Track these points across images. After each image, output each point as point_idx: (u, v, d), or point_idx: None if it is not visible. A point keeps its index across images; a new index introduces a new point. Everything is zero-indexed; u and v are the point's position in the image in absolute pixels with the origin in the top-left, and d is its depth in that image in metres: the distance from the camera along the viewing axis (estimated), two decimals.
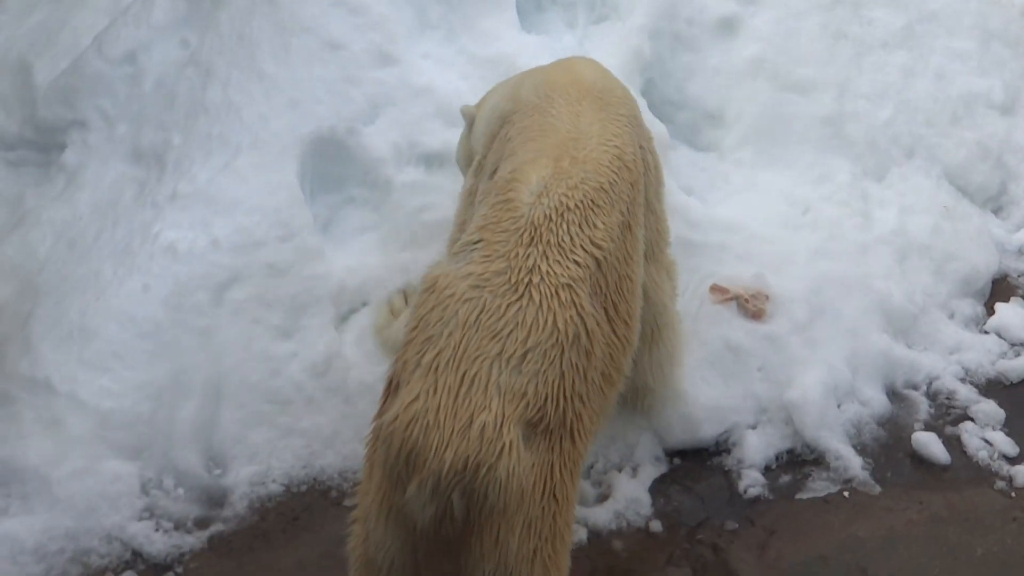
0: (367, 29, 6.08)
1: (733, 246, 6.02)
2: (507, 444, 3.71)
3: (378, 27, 6.09)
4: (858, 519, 5.31)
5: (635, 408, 5.42)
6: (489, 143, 4.92)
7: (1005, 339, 6.20)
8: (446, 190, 5.56)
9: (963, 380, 5.99)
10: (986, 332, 6.26)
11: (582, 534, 5.11)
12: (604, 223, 4.21)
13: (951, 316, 6.27)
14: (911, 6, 7.20)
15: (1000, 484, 5.51)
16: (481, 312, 3.88)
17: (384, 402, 4.00)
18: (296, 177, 5.81)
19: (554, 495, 3.90)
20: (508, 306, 3.89)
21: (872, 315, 5.98)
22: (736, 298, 5.80)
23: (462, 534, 3.79)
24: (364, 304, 5.73)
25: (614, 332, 4.23)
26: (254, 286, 5.57)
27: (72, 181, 6.13)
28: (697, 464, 5.53)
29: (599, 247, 4.16)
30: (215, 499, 5.24)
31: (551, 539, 3.93)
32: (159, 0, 6.43)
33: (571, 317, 3.95)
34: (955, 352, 6.10)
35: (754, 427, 5.59)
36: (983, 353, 6.11)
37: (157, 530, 5.10)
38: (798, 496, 5.41)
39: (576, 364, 3.95)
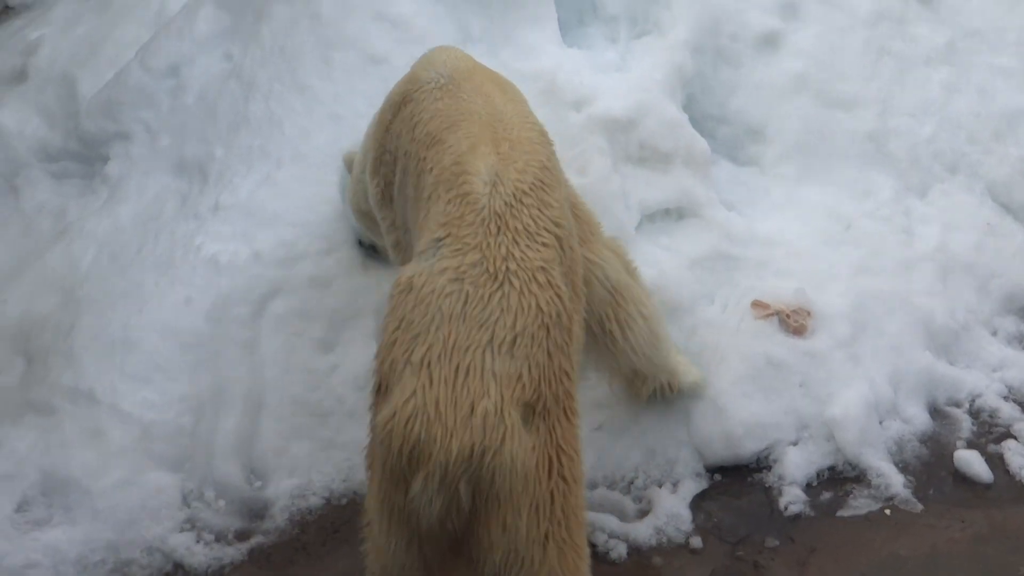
0: (409, 43, 6.08)
1: (774, 261, 6.01)
2: (509, 428, 3.78)
3: (420, 41, 6.08)
4: (900, 537, 5.27)
5: (639, 398, 5.43)
6: (382, 134, 4.95)
7: None
8: None
9: (1006, 398, 5.95)
10: None
11: (622, 549, 5.12)
12: (556, 200, 4.28)
13: (994, 333, 6.24)
14: (954, 23, 7.18)
15: None
16: (465, 303, 3.92)
17: (375, 405, 4.03)
18: (338, 190, 5.82)
19: (561, 476, 3.95)
20: (491, 295, 3.94)
21: (914, 332, 5.95)
22: (777, 313, 5.78)
23: (469, 527, 3.86)
24: None
25: (579, 298, 4.32)
26: (296, 299, 5.60)
27: (115, 193, 6.16)
28: (738, 480, 5.51)
29: (559, 225, 4.23)
30: (256, 511, 5.26)
31: (563, 521, 3.97)
32: (202, 13, 6.46)
33: (551, 298, 4.01)
34: (998, 370, 6.06)
35: (795, 443, 5.56)
36: None
37: (198, 542, 5.12)
38: (839, 513, 5.37)
39: (560, 343, 4.01)
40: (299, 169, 5.87)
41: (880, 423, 5.67)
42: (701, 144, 6.14)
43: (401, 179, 4.75)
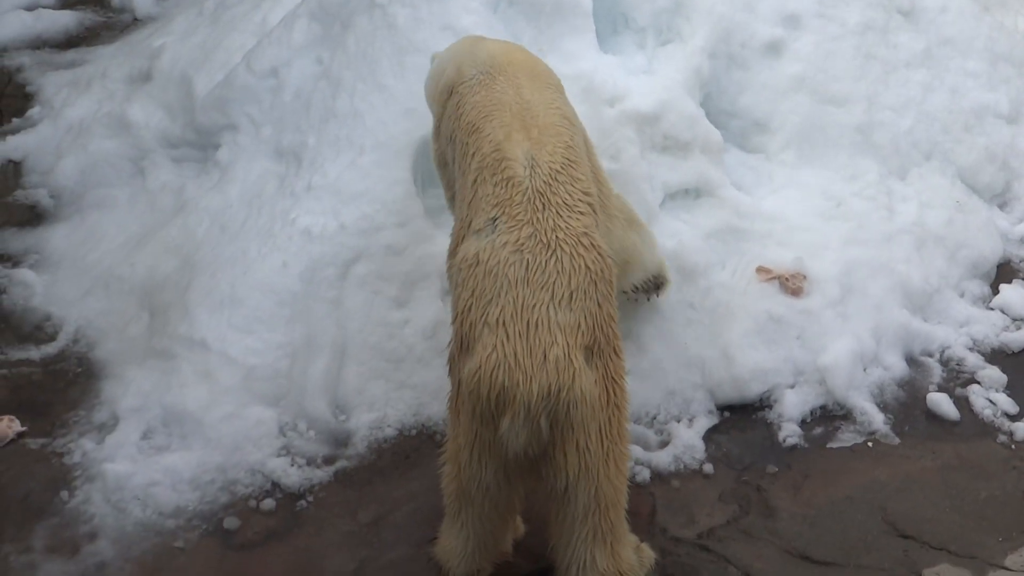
0: None
1: (776, 234, 5.97)
2: (577, 368, 3.97)
3: None
4: (880, 466, 5.28)
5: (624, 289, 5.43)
6: (440, 110, 5.02)
7: (1008, 315, 6.13)
8: None
9: (971, 349, 5.92)
10: (991, 309, 6.17)
11: (645, 474, 5.13)
12: (583, 174, 4.40)
13: (962, 295, 6.20)
14: (930, 32, 7.09)
15: (1002, 438, 5.45)
16: (527, 270, 4.06)
17: (458, 358, 4.18)
18: (410, 173, 5.81)
19: (615, 404, 4.16)
20: (546, 261, 4.08)
21: (894, 294, 5.92)
22: (778, 278, 5.76)
23: (545, 451, 4.04)
24: None
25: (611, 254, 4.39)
26: (375, 263, 5.59)
27: (225, 175, 6.17)
28: (744, 417, 5.52)
29: (588, 194, 4.35)
30: (340, 440, 5.27)
31: (619, 440, 4.18)
32: (298, 24, 6.45)
33: (595, 258, 4.17)
34: (965, 325, 6.03)
35: (792, 387, 5.56)
36: (989, 327, 6.04)
37: (292, 465, 5.15)
38: (829, 445, 5.38)
39: (606, 292, 4.17)
40: (378, 155, 5.84)
41: (864, 370, 5.67)
42: (715, 135, 6.10)
43: (451, 154, 4.81)
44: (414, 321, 5.52)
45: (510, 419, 3.95)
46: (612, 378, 4.14)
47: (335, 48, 6.29)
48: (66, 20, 8.75)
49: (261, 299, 5.50)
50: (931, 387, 5.70)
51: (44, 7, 8.91)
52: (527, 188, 4.22)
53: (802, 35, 6.64)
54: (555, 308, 4.02)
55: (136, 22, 8.76)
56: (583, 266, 4.11)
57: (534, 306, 4.01)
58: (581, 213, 4.24)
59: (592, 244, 4.19)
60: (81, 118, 7.12)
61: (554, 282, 4.05)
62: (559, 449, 4.03)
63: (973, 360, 5.84)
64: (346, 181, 5.79)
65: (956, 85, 6.98)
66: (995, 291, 6.27)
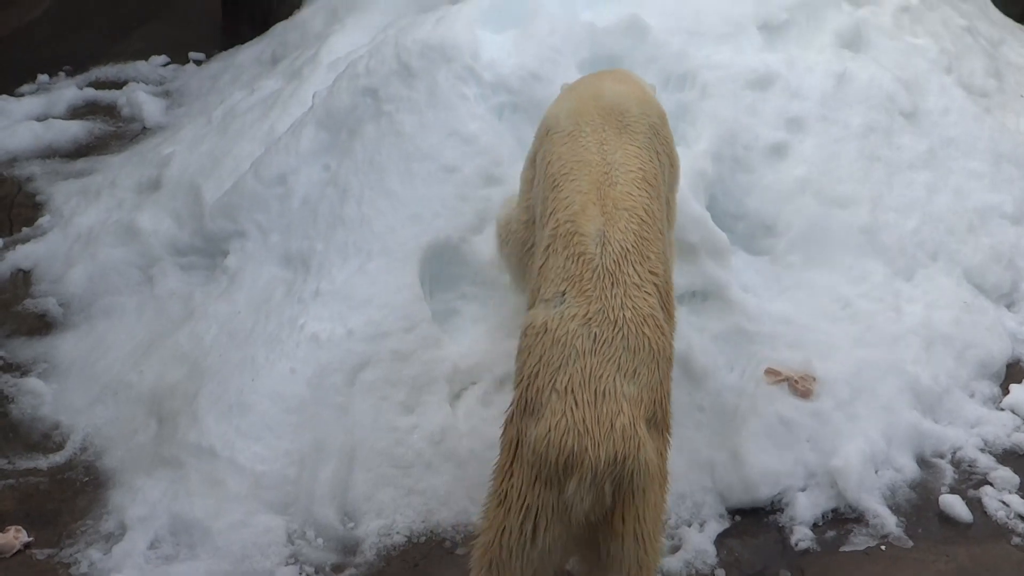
0: (476, 155, 6.11)
1: (785, 335, 5.96)
2: (642, 438, 4.07)
3: (485, 153, 6.12)
4: (894, 569, 5.22)
5: None
6: (538, 144, 5.13)
7: (1018, 415, 6.09)
8: None
9: (983, 450, 5.88)
10: (1002, 409, 6.14)
11: None
12: (653, 252, 4.48)
13: (971, 395, 6.17)
14: (933, 133, 7.16)
15: (1016, 540, 5.39)
16: (594, 342, 4.15)
17: (519, 424, 4.22)
18: (418, 278, 5.83)
19: (664, 475, 4.28)
20: (613, 336, 4.17)
21: (904, 394, 5.90)
22: (787, 379, 5.74)
23: (605, 516, 4.10)
24: (474, 383, 5.71)
25: (672, 331, 4.53)
26: (382, 369, 5.59)
27: (233, 281, 6.19)
28: (755, 521, 5.46)
29: (656, 275, 4.43)
30: (349, 548, 5.23)
31: (662, 511, 4.31)
32: (305, 132, 6.51)
33: (659, 337, 4.27)
34: (976, 426, 5.99)
35: (804, 489, 5.51)
36: (1000, 427, 6.00)
37: (301, 574, 5.11)
38: (842, 549, 5.31)
39: (665, 370, 4.30)
40: (386, 261, 5.87)
41: (875, 472, 5.62)
42: (721, 237, 6.11)
43: (536, 191, 5.01)
44: (422, 426, 5.50)
45: (577, 483, 4.02)
46: (662, 452, 4.26)
47: (342, 155, 6.35)
48: (76, 130, 8.84)
49: (269, 406, 5.49)
50: (943, 489, 5.65)
51: (54, 117, 9.02)
52: (597, 266, 4.33)
53: (806, 138, 6.70)
54: (621, 380, 4.11)
55: (145, 131, 8.85)
56: (647, 345, 4.21)
57: (601, 376, 4.10)
58: (648, 294, 4.34)
59: (657, 325, 4.30)
60: (90, 226, 7.18)
61: (620, 356, 4.15)
62: (618, 515, 4.10)
63: (985, 461, 5.80)
64: (354, 287, 5.82)
65: (960, 186, 7.03)
66: (1005, 391, 6.25)
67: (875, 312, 6.24)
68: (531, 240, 5.12)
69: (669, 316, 4.50)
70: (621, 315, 4.22)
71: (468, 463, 5.37)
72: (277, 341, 5.70)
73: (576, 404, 4.06)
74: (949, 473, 5.75)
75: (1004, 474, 5.72)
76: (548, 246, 4.50)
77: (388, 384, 5.58)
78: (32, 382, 6.17)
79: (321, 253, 6.02)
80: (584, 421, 4.03)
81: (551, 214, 4.59)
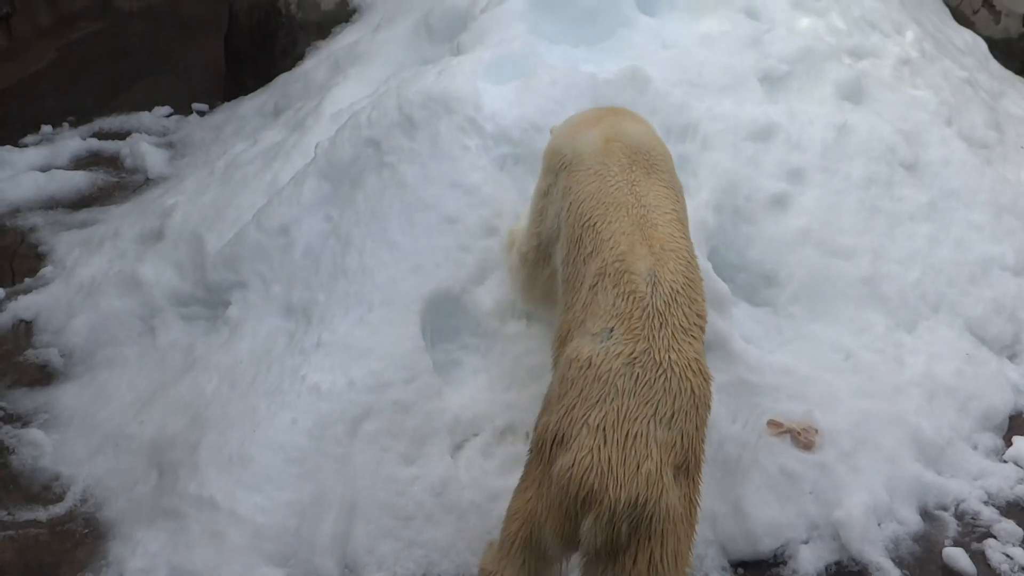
0: (478, 206, 6.12)
1: (787, 387, 5.96)
2: (666, 484, 4.11)
3: (487, 204, 6.13)
4: None
5: None
6: (551, 177, 5.27)
7: (1022, 467, 6.09)
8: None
9: (986, 503, 5.87)
10: (1005, 461, 6.14)
11: None
12: (699, 295, 4.61)
13: (974, 447, 6.16)
14: (934, 185, 7.19)
15: None
16: (636, 383, 4.21)
17: (551, 450, 4.31)
18: (419, 328, 5.83)
19: (690, 522, 4.30)
20: (656, 379, 4.23)
21: (906, 446, 5.89)
22: (790, 431, 5.73)
23: (617, 556, 4.14)
24: (475, 435, 5.70)
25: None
26: (383, 420, 5.58)
27: (235, 332, 6.20)
28: (757, 574, 5.44)
29: (702, 317, 4.55)
30: None
31: (687, 557, 4.29)
32: (307, 183, 6.53)
33: (701, 383, 4.33)
34: (979, 478, 5.98)
35: (807, 542, 5.50)
36: (1003, 479, 5.99)
37: None
38: None
39: (704, 417, 4.36)
40: (387, 312, 5.88)
41: (879, 524, 5.60)
42: (723, 288, 6.12)
43: (555, 225, 5.12)
44: (423, 478, 5.49)
45: (593, 520, 4.09)
46: (691, 498, 4.29)
47: (344, 206, 6.36)
48: (79, 181, 8.86)
49: (270, 457, 5.48)
50: (947, 541, 5.63)
51: (57, 168, 9.04)
52: (648, 306, 4.39)
53: (807, 189, 6.72)
54: (655, 424, 4.16)
55: (148, 182, 8.88)
56: (688, 389, 4.26)
57: (636, 419, 4.15)
58: (694, 338, 4.42)
59: (700, 370, 4.35)
60: (92, 277, 7.18)
61: (659, 400, 4.20)
62: (630, 555, 4.12)
63: (988, 514, 5.78)
64: (355, 338, 5.82)
65: (961, 237, 7.05)
66: (1008, 443, 6.24)
67: (877, 363, 6.24)
68: (542, 264, 5.31)
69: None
70: (667, 357, 4.28)
71: (469, 515, 5.36)
72: (278, 392, 5.69)
73: (605, 442, 4.12)
74: (952, 526, 5.74)
75: (1008, 527, 5.71)
76: (595, 284, 4.54)
77: (389, 435, 5.57)
78: (33, 433, 6.15)
79: (323, 304, 6.02)
80: (610, 460, 4.09)
81: (593, 253, 4.65)
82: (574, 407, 4.25)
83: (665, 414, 4.18)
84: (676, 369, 4.26)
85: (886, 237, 6.78)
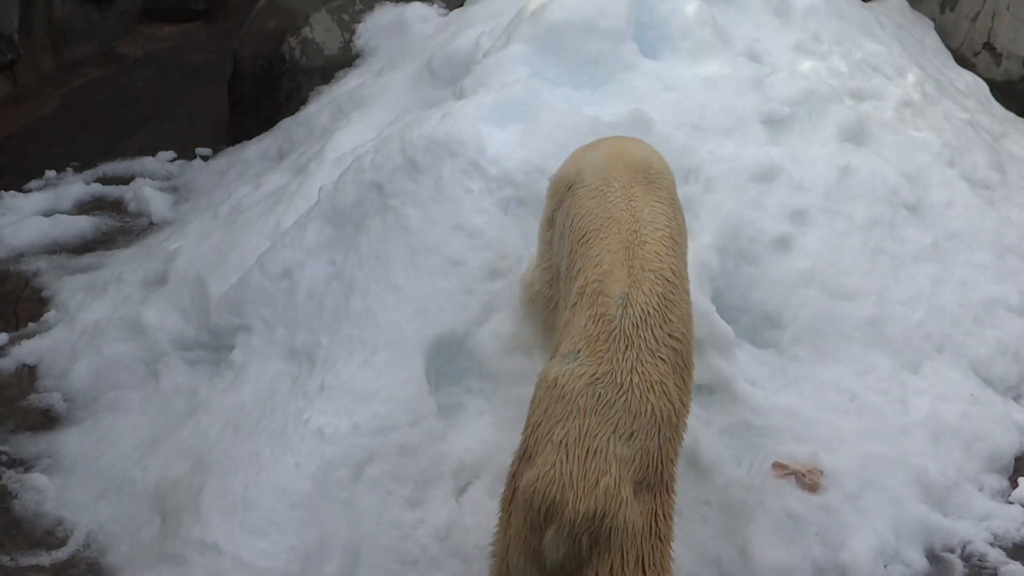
0: (482, 249, 6.13)
1: (791, 429, 5.96)
2: (624, 499, 4.21)
3: (491, 247, 6.14)
4: None
5: None
6: (555, 203, 5.40)
7: None
8: None
9: (992, 544, 5.84)
10: (1011, 503, 6.12)
11: None
12: (676, 315, 4.67)
13: (980, 489, 6.14)
14: (937, 226, 7.20)
15: None
16: (597, 402, 4.34)
17: (518, 466, 4.47)
18: (423, 372, 5.83)
19: (659, 536, 4.37)
20: (616, 399, 4.35)
21: (912, 488, 5.88)
22: (795, 473, 5.72)
23: (581, 568, 4.26)
24: (479, 478, 5.69)
25: (687, 394, 4.69)
26: (388, 464, 5.57)
27: (238, 376, 6.20)
28: None
29: (675, 338, 4.62)
30: None
31: (661, 570, 4.38)
32: (311, 227, 6.54)
33: (664, 405, 4.41)
34: (985, 520, 5.96)
35: None
36: (1009, 521, 5.96)
37: None
38: None
39: (669, 437, 4.43)
40: (391, 355, 5.88)
41: (885, 567, 5.58)
42: (727, 330, 6.13)
43: (559, 246, 5.24)
44: (428, 522, 5.48)
45: (554, 532, 4.21)
46: (660, 513, 4.37)
47: (348, 249, 6.38)
48: (82, 225, 8.88)
49: (274, 501, 5.47)
50: None
51: (61, 213, 9.05)
52: (615, 328, 4.51)
53: (810, 230, 6.74)
54: (615, 441, 4.27)
55: (152, 226, 8.90)
56: (649, 411, 4.36)
57: (596, 435, 4.27)
58: (662, 359, 4.51)
59: (664, 392, 4.45)
60: (96, 321, 7.18)
61: (619, 419, 4.32)
62: (592, 568, 4.24)
63: (995, 556, 5.75)
64: (359, 381, 5.82)
65: (965, 278, 7.06)
66: (1014, 484, 6.22)
67: (882, 405, 6.24)
68: (555, 298, 5.34)
69: (687, 376, 4.68)
70: (628, 379, 4.39)
71: (474, 558, 5.33)
72: (282, 436, 5.69)
73: (567, 458, 4.25)
74: (959, 568, 5.71)
75: (1014, 568, 5.68)
76: (575, 304, 4.69)
77: (393, 479, 5.56)
78: (36, 478, 6.14)
79: (326, 347, 6.03)
80: (571, 475, 4.21)
81: (579, 271, 4.79)
82: (540, 425, 4.40)
83: (624, 432, 4.30)
84: (637, 391, 4.37)
85: (890, 278, 6.79)
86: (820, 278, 6.58)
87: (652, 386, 4.41)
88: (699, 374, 5.85)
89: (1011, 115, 9.58)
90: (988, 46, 10.19)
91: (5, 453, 6.37)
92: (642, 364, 4.44)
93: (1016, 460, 6.39)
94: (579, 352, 4.49)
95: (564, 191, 5.28)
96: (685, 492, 5.45)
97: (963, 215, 7.37)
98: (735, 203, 6.64)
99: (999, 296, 7.07)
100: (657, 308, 4.59)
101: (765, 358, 6.37)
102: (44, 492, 6.06)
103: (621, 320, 4.53)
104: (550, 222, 5.48)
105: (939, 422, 6.27)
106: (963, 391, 6.54)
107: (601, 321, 4.54)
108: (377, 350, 5.90)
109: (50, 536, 5.84)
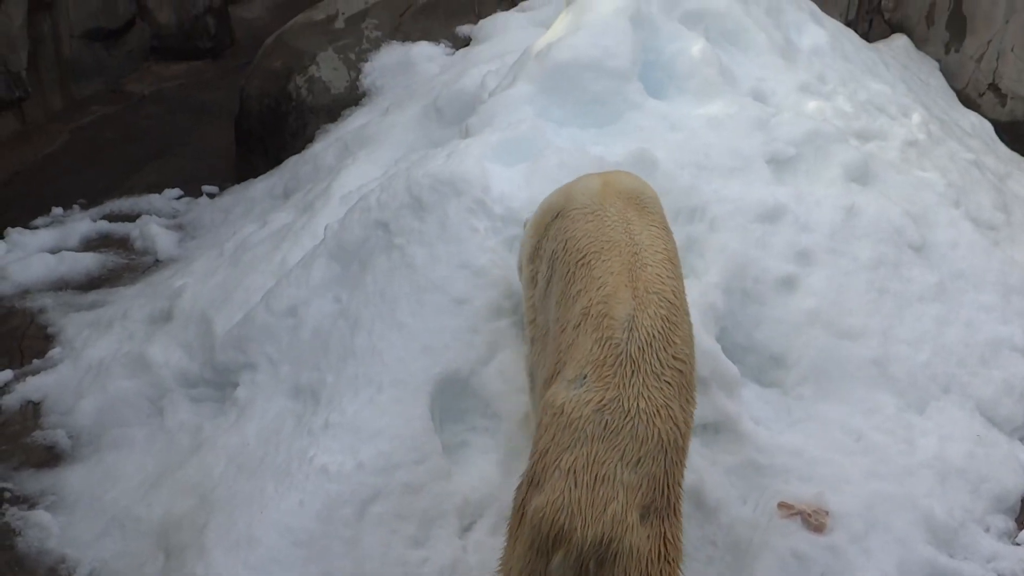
0: (487, 288, 6.15)
1: (797, 468, 5.95)
2: (630, 524, 4.24)
3: (496, 286, 6.15)
4: None
5: None
6: (540, 232, 5.40)
7: None
8: None
9: None
10: (1017, 544, 6.09)
11: None
12: (679, 337, 4.68)
13: (986, 530, 6.12)
14: (942, 266, 7.20)
15: None
16: (604, 428, 4.35)
17: (526, 492, 4.47)
18: (428, 410, 5.83)
19: (666, 559, 4.36)
20: (623, 425, 4.36)
21: (918, 528, 5.86)
22: (800, 513, 5.71)
23: None
24: (484, 516, 5.68)
25: (691, 415, 4.70)
26: (392, 502, 5.57)
27: (243, 413, 6.20)
28: None
29: (681, 361, 4.63)
30: None
31: None
32: (316, 264, 6.56)
33: (670, 429, 4.42)
34: (991, 561, 5.93)
35: None
36: (1016, 562, 5.93)
37: None
38: None
39: (675, 460, 4.44)
40: (397, 392, 5.88)
41: None
42: (732, 370, 6.13)
43: (548, 274, 5.17)
44: (433, 560, 5.46)
45: (562, 557, 4.24)
46: (668, 537, 4.37)
47: (353, 287, 6.39)
48: (88, 262, 8.91)
49: (277, 539, 5.46)
50: None
51: (68, 250, 9.09)
52: (622, 352, 4.52)
53: (815, 270, 6.74)
54: (622, 467, 4.30)
55: (158, 263, 8.93)
56: (655, 436, 4.37)
57: (604, 462, 4.29)
58: (667, 383, 4.52)
59: (669, 416, 4.45)
60: (101, 358, 7.19)
61: (626, 445, 4.33)
62: None
63: None
64: (364, 419, 5.82)
65: (970, 318, 7.05)
66: (1020, 526, 6.20)
67: (887, 445, 6.23)
68: (534, 334, 5.38)
69: (690, 397, 4.69)
70: (635, 405, 4.40)
71: None
72: (286, 473, 5.68)
73: (575, 485, 4.27)
74: None
75: None
76: (579, 324, 4.69)
77: (398, 517, 5.55)
78: (39, 515, 6.14)
79: (331, 385, 6.03)
80: (579, 502, 4.25)
81: (580, 292, 4.79)
82: (548, 452, 4.41)
83: (631, 459, 4.32)
84: (644, 416, 4.39)
85: (895, 318, 6.79)
86: (825, 318, 6.58)
87: (658, 410, 4.43)
88: (704, 413, 5.88)
89: (1016, 156, 9.59)
90: (993, 87, 10.22)
91: (8, 490, 6.37)
92: (648, 389, 4.46)
93: (1022, 501, 6.36)
94: (585, 377, 4.50)
95: (551, 219, 5.31)
96: (690, 531, 5.44)
97: (968, 255, 7.37)
98: (740, 243, 6.65)
99: (1004, 336, 7.06)
100: (661, 331, 4.61)
101: (770, 397, 6.37)
102: (48, 529, 6.06)
103: (627, 344, 4.54)
104: (532, 256, 5.50)
105: (945, 462, 6.25)
106: (969, 431, 6.53)
107: (608, 345, 4.55)
108: (382, 388, 5.91)
109: (53, 573, 5.84)
